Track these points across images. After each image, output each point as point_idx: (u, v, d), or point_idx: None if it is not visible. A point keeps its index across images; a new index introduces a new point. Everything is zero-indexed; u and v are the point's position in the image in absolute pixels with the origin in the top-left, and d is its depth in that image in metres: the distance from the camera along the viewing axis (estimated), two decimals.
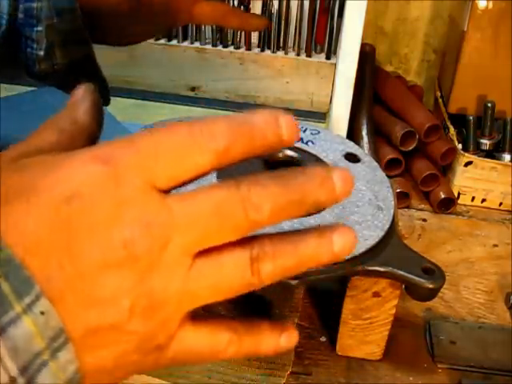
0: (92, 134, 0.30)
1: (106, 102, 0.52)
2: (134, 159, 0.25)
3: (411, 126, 0.74)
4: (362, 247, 0.45)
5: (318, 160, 0.54)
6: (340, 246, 0.28)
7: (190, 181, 0.25)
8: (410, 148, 0.74)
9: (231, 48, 0.84)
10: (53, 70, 0.48)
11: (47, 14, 0.46)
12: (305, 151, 0.55)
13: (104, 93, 0.51)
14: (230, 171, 0.50)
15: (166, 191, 0.25)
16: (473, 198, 0.73)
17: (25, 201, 0.24)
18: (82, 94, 0.31)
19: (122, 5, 0.51)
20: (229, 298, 0.46)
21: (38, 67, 0.47)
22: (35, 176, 0.25)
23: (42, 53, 0.47)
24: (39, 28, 0.46)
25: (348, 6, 0.69)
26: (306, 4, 0.80)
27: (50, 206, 0.24)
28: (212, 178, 0.49)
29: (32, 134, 0.30)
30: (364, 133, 0.77)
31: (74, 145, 0.29)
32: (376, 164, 0.55)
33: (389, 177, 0.54)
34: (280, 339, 0.30)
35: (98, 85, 0.49)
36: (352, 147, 0.57)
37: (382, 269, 0.44)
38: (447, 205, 0.72)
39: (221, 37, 0.84)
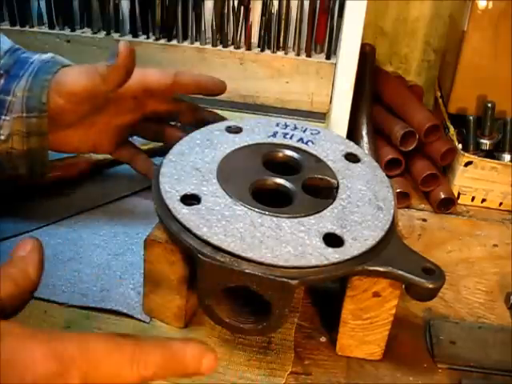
0: (37, 287, 0.36)
1: (41, 179, 0.58)
2: (78, 361, 0.29)
3: (411, 126, 0.74)
4: (362, 247, 0.45)
5: (317, 160, 0.54)
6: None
7: None
8: (410, 148, 0.74)
9: (231, 48, 0.84)
10: (6, 152, 0.54)
11: (18, 109, 0.52)
12: (305, 151, 0.55)
13: (43, 175, 0.58)
14: (230, 171, 0.51)
15: None
16: (473, 198, 0.73)
17: None
18: (30, 250, 0.36)
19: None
20: (229, 299, 0.46)
21: None
22: (2, 360, 0.28)
23: (2, 137, 0.53)
24: (7, 118, 0.53)
25: (348, 6, 0.69)
26: (306, 4, 0.80)
27: None
28: (212, 177, 0.49)
29: None
30: (364, 133, 0.77)
31: (25, 296, 0.35)
32: (376, 164, 0.55)
33: (389, 177, 0.54)
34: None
35: (41, 170, 0.56)
36: (352, 147, 0.57)
37: (381, 269, 0.44)
38: (447, 205, 0.72)
39: (221, 37, 0.84)
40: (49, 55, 0.56)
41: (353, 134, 0.77)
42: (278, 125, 0.59)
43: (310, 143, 0.56)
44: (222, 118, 0.63)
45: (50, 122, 0.53)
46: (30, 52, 0.56)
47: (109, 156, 0.69)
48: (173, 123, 0.66)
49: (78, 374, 0.29)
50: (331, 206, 0.48)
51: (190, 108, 0.65)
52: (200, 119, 0.63)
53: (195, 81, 0.62)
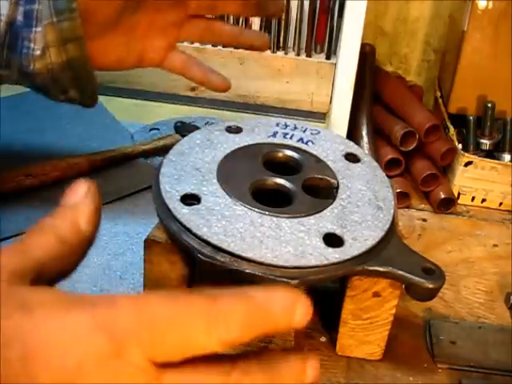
0: (92, 242, 0.29)
1: (93, 103, 0.53)
2: (138, 332, 0.23)
3: (411, 126, 0.74)
4: (362, 247, 0.45)
5: (318, 160, 0.54)
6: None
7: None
8: (410, 148, 0.74)
9: (231, 48, 0.84)
10: (47, 69, 0.48)
11: (47, 14, 0.46)
12: (305, 151, 0.55)
13: (91, 94, 0.52)
14: (230, 171, 0.51)
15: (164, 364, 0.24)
16: (473, 198, 0.73)
17: (22, 367, 0.22)
18: (84, 196, 0.29)
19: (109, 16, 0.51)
20: None
21: (33, 66, 0.48)
22: (36, 342, 0.23)
23: (38, 52, 0.47)
24: (38, 29, 0.47)
25: (348, 6, 0.69)
26: (306, 4, 0.80)
27: (52, 378, 0.22)
28: (212, 177, 0.49)
29: (29, 236, 0.27)
30: (364, 133, 0.77)
31: (75, 255, 0.28)
32: (376, 164, 0.55)
33: (389, 177, 0.54)
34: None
35: (87, 86, 0.50)
36: (352, 147, 0.57)
37: (381, 269, 0.44)
38: (447, 205, 0.72)
39: None
40: None
41: (353, 134, 0.77)
42: (278, 125, 0.59)
43: (310, 143, 0.56)
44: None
45: (84, 25, 0.48)
46: None
47: (109, 156, 0.69)
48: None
49: (138, 349, 0.23)
50: (331, 206, 0.48)
51: None
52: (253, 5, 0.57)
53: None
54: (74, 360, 0.22)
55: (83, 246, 0.29)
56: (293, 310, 0.25)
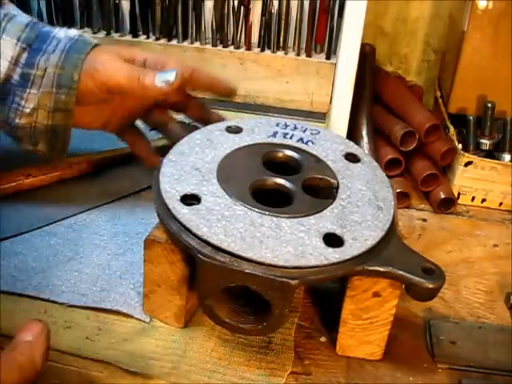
0: (37, 377, 0.36)
1: (61, 157, 0.60)
2: None
3: (411, 126, 0.74)
4: (362, 247, 0.45)
5: (317, 160, 0.54)
6: None
7: None
8: (410, 148, 0.74)
9: (231, 48, 0.84)
10: (30, 126, 0.54)
11: (48, 83, 0.53)
12: (305, 151, 0.55)
13: (61, 150, 0.58)
14: (230, 171, 0.51)
15: None
16: (473, 198, 0.73)
17: None
18: (39, 335, 0.36)
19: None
20: (228, 299, 0.46)
21: (18, 120, 0.54)
22: None
23: (27, 110, 0.54)
24: (33, 90, 0.53)
25: (348, 5, 0.69)
26: (306, 4, 0.80)
27: None
28: (212, 177, 0.49)
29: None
30: (364, 133, 0.77)
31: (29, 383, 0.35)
32: (376, 164, 0.55)
33: (389, 177, 0.54)
34: None
35: (57, 145, 0.57)
36: (352, 147, 0.57)
37: (381, 269, 0.44)
38: (447, 205, 0.72)
39: (221, 37, 0.84)
40: (75, 32, 0.56)
41: (353, 134, 0.77)
42: (278, 125, 0.59)
43: (310, 143, 0.56)
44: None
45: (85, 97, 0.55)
46: (49, 26, 0.57)
47: (109, 156, 0.69)
48: (177, 118, 0.67)
49: None
50: (331, 206, 0.48)
51: (199, 105, 0.66)
52: (205, 118, 0.64)
53: (211, 80, 0.63)
54: None
55: (34, 379, 0.35)
56: None
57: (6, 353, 0.35)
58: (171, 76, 0.55)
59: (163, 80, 0.55)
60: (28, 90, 0.53)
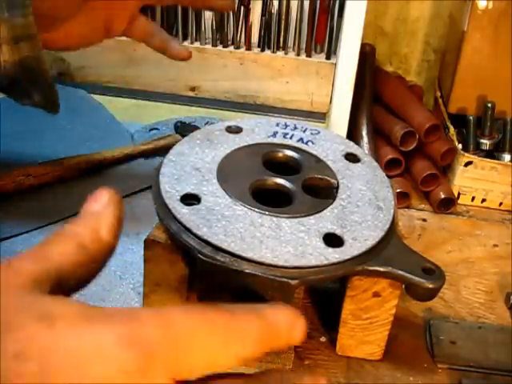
0: (112, 251, 0.28)
1: (55, 109, 0.51)
2: (165, 348, 0.22)
3: (411, 126, 0.74)
4: (362, 247, 0.45)
5: (317, 160, 0.54)
6: None
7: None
8: (410, 148, 0.74)
9: (231, 48, 0.84)
10: (1, 68, 0.46)
11: (1, 8, 0.44)
12: (305, 151, 0.55)
13: (53, 99, 0.50)
14: (230, 171, 0.51)
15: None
16: (473, 198, 0.73)
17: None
18: (106, 204, 0.28)
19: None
20: (228, 299, 0.46)
21: None
22: (56, 356, 0.21)
23: None
24: None
25: (348, 6, 0.70)
26: (306, 4, 0.80)
27: None
28: (212, 177, 0.49)
29: (49, 242, 0.27)
30: (364, 133, 0.77)
31: (96, 265, 0.27)
32: (376, 164, 0.55)
33: (389, 177, 0.54)
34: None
35: (46, 90, 0.48)
36: (352, 147, 0.57)
37: (382, 269, 0.44)
38: (447, 205, 0.72)
39: (221, 37, 0.84)
40: None
41: (353, 134, 0.77)
42: (278, 125, 0.59)
43: (310, 143, 0.56)
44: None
45: (43, 19, 0.46)
46: None
47: (109, 156, 0.69)
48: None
49: (164, 368, 0.22)
50: (331, 206, 0.48)
51: None
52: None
53: None
54: (97, 376, 0.21)
55: (104, 255, 0.28)
56: (294, 327, 0.26)
57: (64, 226, 0.28)
58: None
59: None
60: None
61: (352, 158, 0.55)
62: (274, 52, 0.83)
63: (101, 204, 0.28)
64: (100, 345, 0.21)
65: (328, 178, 0.52)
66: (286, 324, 0.26)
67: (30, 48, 0.46)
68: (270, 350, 0.26)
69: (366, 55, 0.79)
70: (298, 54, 0.83)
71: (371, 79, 0.80)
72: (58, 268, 0.25)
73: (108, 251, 0.28)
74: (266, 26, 0.82)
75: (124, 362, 0.21)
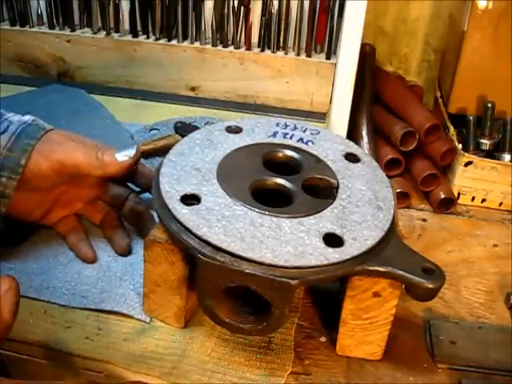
0: (10, 329, 0.36)
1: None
2: None
3: (411, 126, 0.74)
4: (362, 247, 0.45)
5: (317, 160, 0.54)
6: None
7: None
8: (410, 148, 0.74)
9: (231, 48, 0.84)
10: None
11: None
12: (305, 151, 0.55)
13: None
14: (230, 171, 0.51)
15: None
16: (473, 198, 0.73)
17: None
18: (7, 289, 0.36)
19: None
20: (228, 299, 0.46)
21: None
22: None
23: None
24: None
25: (348, 5, 0.69)
26: (306, 4, 0.80)
27: None
28: (212, 177, 0.49)
29: None
30: (364, 133, 0.77)
31: None
32: (376, 164, 0.55)
33: (389, 177, 0.54)
34: None
35: None
36: (352, 147, 0.57)
37: (382, 269, 0.44)
38: (447, 205, 0.72)
39: (221, 37, 0.84)
40: (29, 117, 0.54)
41: (353, 134, 0.77)
42: (278, 125, 0.59)
43: (309, 143, 0.56)
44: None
45: (19, 185, 0.52)
46: (4, 110, 0.54)
47: None
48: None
49: None
50: (331, 206, 0.48)
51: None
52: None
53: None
54: None
55: (3, 333, 0.35)
56: None
57: None
58: (131, 150, 0.55)
59: (124, 154, 0.54)
60: None
61: (352, 158, 0.55)
62: (273, 52, 0.83)
63: (2, 290, 0.36)
64: None
65: (328, 178, 0.52)
66: None
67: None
68: None
69: (366, 55, 0.79)
70: (298, 54, 0.83)
71: (371, 79, 0.80)
72: None
73: (7, 329, 0.35)
74: (266, 26, 0.82)
75: None
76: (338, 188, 0.51)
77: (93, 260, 0.57)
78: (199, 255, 0.43)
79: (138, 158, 0.56)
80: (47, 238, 0.59)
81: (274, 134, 0.57)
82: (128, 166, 0.55)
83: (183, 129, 0.76)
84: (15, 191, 0.52)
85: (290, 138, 0.57)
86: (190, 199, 0.47)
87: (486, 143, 0.74)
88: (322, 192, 0.51)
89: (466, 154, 0.71)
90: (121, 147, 0.55)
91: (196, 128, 0.59)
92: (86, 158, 0.53)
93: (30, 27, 0.86)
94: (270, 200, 0.48)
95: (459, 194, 0.73)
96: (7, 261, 0.56)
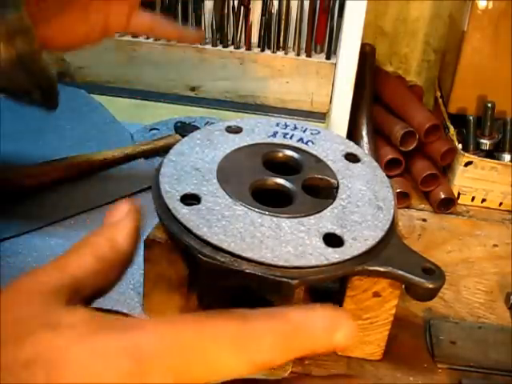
0: (131, 260, 0.29)
1: (55, 106, 0.50)
2: (162, 357, 0.22)
3: (411, 126, 0.74)
4: (361, 247, 0.45)
5: (318, 160, 0.54)
6: None
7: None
8: (410, 148, 0.74)
9: (231, 48, 0.84)
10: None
11: None
12: (305, 151, 0.55)
13: (52, 96, 0.49)
14: (230, 171, 0.51)
15: None
16: (473, 198, 0.73)
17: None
18: (124, 215, 0.29)
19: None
20: (228, 299, 0.46)
21: None
22: (61, 364, 0.22)
23: None
24: None
25: (348, 6, 0.69)
26: (306, 4, 0.80)
27: None
28: (212, 177, 0.49)
29: (67, 254, 0.28)
30: (364, 133, 0.77)
31: (113, 273, 0.28)
32: (376, 164, 0.55)
33: (389, 177, 0.54)
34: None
35: (45, 86, 0.47)
36: (352, 147, 0.57)
37: (382, 269, 0.44)
38: (447, 205, 0.72)
39: (221, 37, 0.84)
40: None
41: (353, 134, 0.77)
42: (277, 125, 0.59)
43: (310, 143, 0.56)
44: None
45: (36, 10, 0.45)
46: None
47: (109, 156, 0.69)
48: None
49: (161, 374, 0.22)
50: (331, 206, 0.48)
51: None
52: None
53: None
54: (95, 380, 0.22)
55: (122, 264, 0.28)
56: (334, 328, 0.24)
57: (83, 238, 0.29)
58: None
59: None
60: None
61: (352, 157, 0.55)
62: (274, 52, 0.83)
63: (119, 215, 0.29)
64: (103, 354, 0.22)
65: (328, 178, 0.52)
66: (322, 325, 0.24)
67: (25, 43, 0.44)
68: (301, 355, 0.24)
69: (366, 55, 0.79)
70: (298, 54, 0.83)
71: (371, 79, 0.80)
72: (74, 279, 0.26)
73: (126, 260, 0.28)
74: (266, 26, 0.82)
75: (123, 369, 0.22)
76: (337, 188, 0.51)
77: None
78: (199, 255, 0.43)
79: None
80: (47, 237, 0.59)
81: (274, 134, 0.57)
82: None
83: (183, 129, 0.76)
84: (48, 23, 0.46)
85: (290, 138, 0.57)
86: (190, 199, 0.47)
87: (485, 143, 0.74)
88: (322, 192, 0.51)
89: (466, 154, 0.71)
90: None
91: (196, 128, 0.59)
92: None
93: None
94: (270, 200, 0.48)
95: (459, 193, 0.73)
96: (7, 260, 0.56)
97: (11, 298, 0.25)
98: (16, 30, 0.44)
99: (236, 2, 0.82)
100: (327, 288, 0.55)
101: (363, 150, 0.63)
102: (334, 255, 0.43)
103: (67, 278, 0.26)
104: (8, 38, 0.43)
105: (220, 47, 0.84)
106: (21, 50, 0.44)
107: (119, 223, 0.29)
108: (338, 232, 0.46)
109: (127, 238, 0.28)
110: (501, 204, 0.73)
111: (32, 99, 0.49)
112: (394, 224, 0.48)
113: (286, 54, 0.83)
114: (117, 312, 0.42)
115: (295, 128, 0.58)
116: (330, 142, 0.57)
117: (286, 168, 0.53)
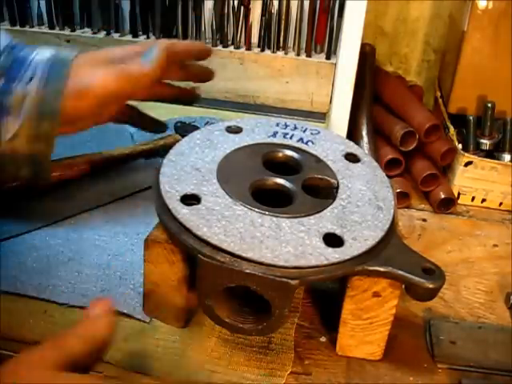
0: (110, 344, 0.38)
1: (46, 183, 0.55)
2: None
3: (411, 126, 0.74)
4: (361, 247, 0.45)
5: (318, 160, 0.54)
6: None
7: None
8: (410, 148, 0.74)
9: (231, 48, 0.84)
10: (10, 153, 0.51)
11: (29, 112, 0.49)
12: (305, 151, 0.55)
13: (46, 177, 0.54)
14: (230, 171, 0.51)
15: None
16: (473, 198, 0.73)
17: None
18: (106, 312, 0.39)
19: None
20: (229, 299, 0.46)
21: None
22: None
23: (8, 135, 0.50)
24: (10, 118, 0.49)
25: (348, 5, 0.69)
26: (306, 4, 0.80)
27: None
28: (212, 177, 0.49)
29: (66, 335, 0.37)
30: (364, 133, 0.77)
31: (93, 358, 0.37)
32: (376, 164, 0.55)
33: (389, 177, 0.54)
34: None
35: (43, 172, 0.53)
36: (352, 147, 0.57)
37: (382, 269, 0.44)
38: (447, 205, 0.72)
39: (221, 37, 0.84)
40: (49, 53, 0.52)
41: (353, 134, 0.77)
42: (278, 125, 0.59)
43: (310, 143, 0.56)
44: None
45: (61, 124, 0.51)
46: (28, 48, 0.52)
47: (109, 156, 0.69)
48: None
49: None
50: (331, 206, 0.48)
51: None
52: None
53: (186, 45, 0.64)
54: None
55: (100, 351, 0.38)
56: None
57: (77, 325, 0.38)
58: (152, 52, 0.53)
59: (148, 60, 0.52)
60: (6, 118, 0.50)
61: (352, 157, 0.55)
62: (273, 52, 0.83)
63: (95, 312, 0.39)
64: None
65: (328, 178, 0.52)
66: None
67: (43, 147, 0.51)
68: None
69: (366, 55, 0.79)
70: (298, 54, 0.83)
71: (371, 79, 0.80)
72: (71, 355, 0.36)
73: (104, 348, 0.38)
74: (266, 26, 0.82)
75: None
76: (338, 188, 0.51)
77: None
78: (199, 255, 0.43)
79: (164, 57, 0.53)
80: (47, 237, 0.59)
81: (274, 134, 0.57)
82: (156, 69, 0.53)
83: (183, 129, 0.76)
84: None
85: (290, 137, 0.57)
86: (190, 199, 0.47)
87: (485, 143, 0.74)
88: (322, 192, 0.51)
89: (466, 154, 0.71)
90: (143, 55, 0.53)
91: (196, 128, 0.59)
92: (120, 82, 0.51)
93: (30, 27, 0.86)
94: (270, 200, 0.48)
95: (459, 193, 0.73)
96: (7, 260, 0.56)
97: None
98: (41, 137, 0.50)
99: (236, 2, 0.82)
100: (327, 288, 0.55)
101: (363, 150, 0.63)
102: (334, 255, 0.43)
103: (65, 356, 0.36)
104: (31, 140, 0.50)
105: (220, 47, 0.84)
106: (37, 150, 0.51)
107: (101, 317, 0.38)
108: (337, 232, 0.46)
109: (108, 330, 0.38)
110: (501, 204, 0.73)
111: (19, 175, 0.53)
112: (393, 224, 0.48)
113: (285, 54, 0.83)
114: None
115: (295, 128, 0.58)
116: (329, 141, 0.57)
117: (286, 168, 0.53)
